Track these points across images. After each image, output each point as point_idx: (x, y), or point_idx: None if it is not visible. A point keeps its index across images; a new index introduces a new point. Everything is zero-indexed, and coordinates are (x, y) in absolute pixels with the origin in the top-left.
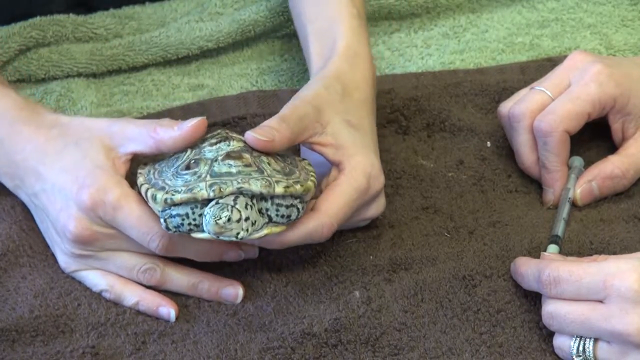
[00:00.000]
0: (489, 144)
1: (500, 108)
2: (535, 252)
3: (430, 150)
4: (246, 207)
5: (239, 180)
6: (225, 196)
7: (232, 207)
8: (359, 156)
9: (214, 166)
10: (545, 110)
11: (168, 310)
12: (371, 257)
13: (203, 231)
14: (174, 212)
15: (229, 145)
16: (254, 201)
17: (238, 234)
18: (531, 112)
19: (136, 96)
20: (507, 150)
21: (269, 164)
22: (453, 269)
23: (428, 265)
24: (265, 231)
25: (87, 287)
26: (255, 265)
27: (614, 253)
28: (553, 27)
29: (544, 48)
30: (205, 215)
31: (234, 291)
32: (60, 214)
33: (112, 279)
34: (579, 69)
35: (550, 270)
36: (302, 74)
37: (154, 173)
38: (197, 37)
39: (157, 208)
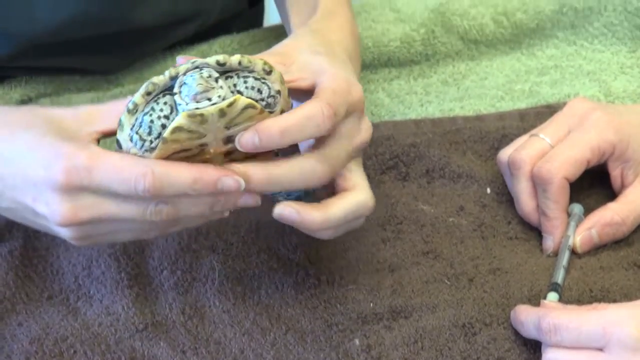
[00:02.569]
0: (488, 190)
1: (500, 155)
2: (535, 299)
3: (430, 197)
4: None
5: (192, 61)
6: (183, 74)
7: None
8: (333, 69)
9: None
10: (544, 158)
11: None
12: (371, 304)
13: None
14: (139, 118)
15: None
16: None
17: (219, 96)
18: (531, 159)
19: None
20: (507, 197)
21: None
22: (453, 316)
23: (428, 313)
24: (236, 99)
25: (82, 333)
26: (255, 312)
27: (614, 301)
28: (552, 74)
29: (543, 95)
30: (185, 83)
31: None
32: (36, 205)
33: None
34: (578, 116)
35: (550, 318)
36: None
37: None
38: None
39: (127, 132)
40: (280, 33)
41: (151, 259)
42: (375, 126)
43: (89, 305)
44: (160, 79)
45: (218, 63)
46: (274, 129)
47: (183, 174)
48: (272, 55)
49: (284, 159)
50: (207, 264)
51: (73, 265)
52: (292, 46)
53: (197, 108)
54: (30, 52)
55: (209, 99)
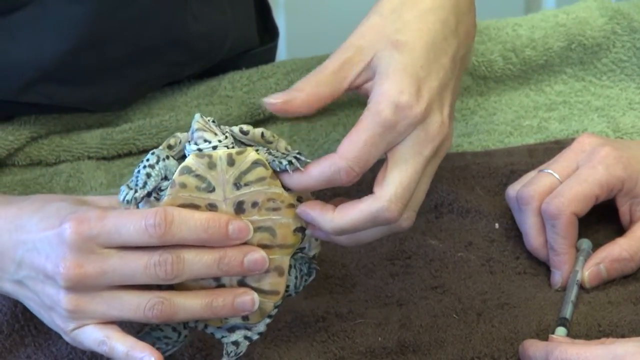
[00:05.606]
0: (497, 225)
1: (508, 190)
2: (543, 334)
3: (438, 232)
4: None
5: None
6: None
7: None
8: (387, 83)
9: None
10: (553, 193)
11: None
12: (379, 338)
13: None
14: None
15: None
16: None
17: (220, 140)
18: (539, 195)
19: None
20: (515, 232)
21: None
22: (461, 351)
23: (436, 348)
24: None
25: None
26: (263, 345)
27: (622, 336)
28: (561, 110)
29: (552, 131)
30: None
31: (249, 297)
32: (47, 264)
33: (111, 330)
34: (587, 152)
35: (558, 352)
36: (310, 156)
37: None
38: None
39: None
40: (289, 70)
41: None
42: None
43: None
44: (184, 135)
45: (241, 130)
46: (295, 183)
47: (196, 214)
48: (345, 52)
49: (348, 205)
50: None
51: None
52: (369, 36)
53: (199, 149)
54: (40, 84)
55: (209, 142)
